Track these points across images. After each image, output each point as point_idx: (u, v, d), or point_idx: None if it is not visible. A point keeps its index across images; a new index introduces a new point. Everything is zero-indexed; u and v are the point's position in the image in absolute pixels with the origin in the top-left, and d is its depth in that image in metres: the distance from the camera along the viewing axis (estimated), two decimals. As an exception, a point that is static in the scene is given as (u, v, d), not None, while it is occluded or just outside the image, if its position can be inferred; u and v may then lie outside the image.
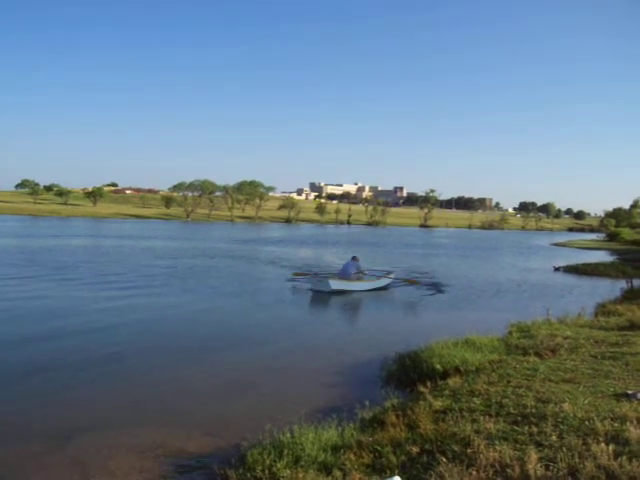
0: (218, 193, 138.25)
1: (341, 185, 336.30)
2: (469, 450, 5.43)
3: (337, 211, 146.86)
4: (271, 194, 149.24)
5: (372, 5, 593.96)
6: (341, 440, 6.29)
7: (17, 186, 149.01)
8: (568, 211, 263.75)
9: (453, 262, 39.11)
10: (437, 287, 23.78)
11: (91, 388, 9.08)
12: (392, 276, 24.18)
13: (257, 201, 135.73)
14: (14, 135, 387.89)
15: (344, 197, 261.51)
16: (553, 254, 54.55)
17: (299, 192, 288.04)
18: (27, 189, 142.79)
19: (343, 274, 22.13)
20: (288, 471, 5.55)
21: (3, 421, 7.52)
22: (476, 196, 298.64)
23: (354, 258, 23.05)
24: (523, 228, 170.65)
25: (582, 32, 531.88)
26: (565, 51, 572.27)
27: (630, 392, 7.15)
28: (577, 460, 5.02)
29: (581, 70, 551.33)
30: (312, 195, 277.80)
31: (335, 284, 20.96)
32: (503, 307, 19.24)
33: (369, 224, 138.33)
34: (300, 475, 5.44)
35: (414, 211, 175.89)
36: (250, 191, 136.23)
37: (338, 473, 5.46)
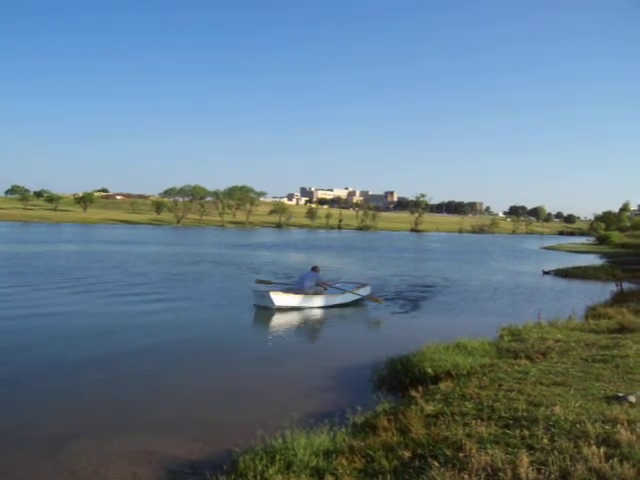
0: (209, 198, 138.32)
1: (332, 190, 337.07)
2: (461, 454, 5.43)
3: (328, 216, 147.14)
4: (262, 199, 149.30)
5: (366, 9, 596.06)
6: (333, 445, 6.27)
7: (7, 192, 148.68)
8: (558, 215, 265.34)
9: (444, 266, 39.20)
10: (428, 291, 23.82)
11: (83, 395, 9.03)
12: (362, 291, 20.54)
13: (248, 206, 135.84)
14: (4, 141, 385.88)
15: (335, 202, 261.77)
16: (543, 258, 54.74)
17: (290, 197, 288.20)
18: (17, 195, 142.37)
19: (298, 286, 19.00)
20: (280, 477, 5.53)
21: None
22: (466, 200, 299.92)
23: (314, 269, 19.74)
24: (513, 232, 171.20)
25: (581, 33, 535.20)
26: (562, 53, 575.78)
27: (621, 395, 7.18)
28: (568, 463, 5.03)
29: (577, 73, 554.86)
30: (303, 200, 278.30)
31: (280, 299, 17.66)
32: (494, 311, 19.29)
33: (360, 229, 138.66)
34: (292, 480, 5.43)
35: (405, 215, 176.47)
36: (241, 196, 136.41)
37: (330, 478, 5.44)
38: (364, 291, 20.67)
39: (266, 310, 17.32)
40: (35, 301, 17.73)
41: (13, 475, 6.26)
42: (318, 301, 18.79)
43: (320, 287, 19.34)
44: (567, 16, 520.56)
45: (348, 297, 19.76)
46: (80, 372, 10.27)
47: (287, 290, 18.77)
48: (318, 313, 17.92)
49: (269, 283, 21.37)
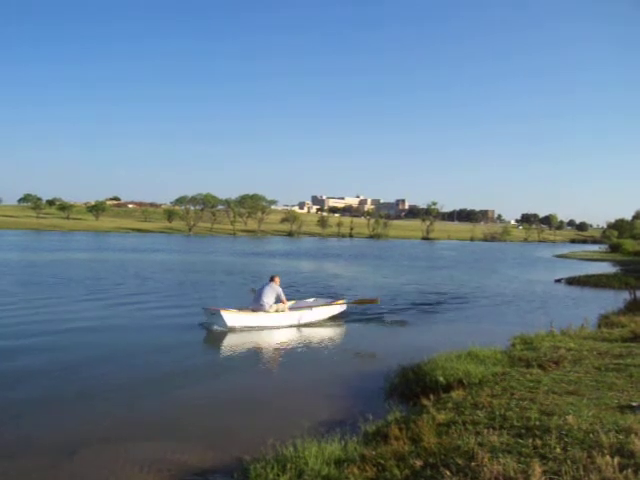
0: (220, 207, 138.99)
1: (343, 198, 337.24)
2: (473, 463, 5.39)
3: (339, 224, 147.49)
4: (273, 207, 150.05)
5: (374, 18, 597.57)
6: (344, 454, 6.26)
7: (20, 200, 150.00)
8: (570, 222, 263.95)
9: (456, 274, 39.10)
10: (440, 299, 23.74)
11: (94, 403, 9.06)
12: (336, 307, 18.46)
13: (259, 214, 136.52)
14: (17, 150, 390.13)
15: (346, 210, 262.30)
16: (556, 266, 54.52)
17: (301, 205, 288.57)
18: (30, 203, 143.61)
19: (257, 303, 16.47)
20: (291, 485, 5.53)
21: (9, 435, 7.52)
22: (478, 208, 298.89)
23: (272, 279, 16.95)
24: (525, 240, 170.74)
25: (583, 41, 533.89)
26: (565, 60, 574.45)
27: (634, 404, 7.13)
28: (582, 473, 4.99)
29: (583, 79, 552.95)
30: (314, 208, 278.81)
31: (233, 319, 15.49)
32: (506, 319, 19.20)
33: (371, 237, 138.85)
34: (303, 489, 5.42)
35: (416, 223, 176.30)
36: (252, 204, 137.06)
37: (341, 487, 5.43)
38: (339, 307, 18.63)
39: (220, 331, 15.22)
40: (52, 310, 17.83)
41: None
42: (280, 320, 16.58)
43: (282, 304, 16.80)
44: (581, 24, 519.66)
45: (318, 314, 17.62)
46: (92, 380, 10.32)
47: (242, 308, 16.61)
48: (283, 332, 16.09)
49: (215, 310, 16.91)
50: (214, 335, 14.93)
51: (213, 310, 15.73)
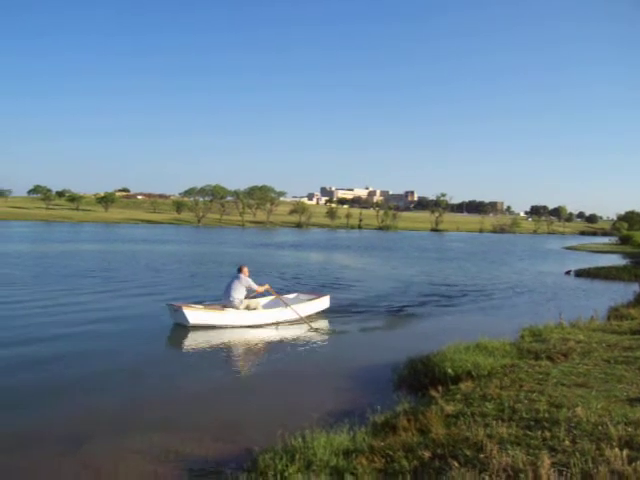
0: (229, 198, 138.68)
1: (352, 190, 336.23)
2: (481, 455, 5.41)
3: (348, 215, 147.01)
4: (282, 199, 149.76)
5: (379, 14, 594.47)
6: (353, 445, 6.27)
7: (30, 192, 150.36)
8: (580, 214, 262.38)
9: (466, 266, 39.01)
10: (449, 291, 23.70)
11: (103, 395, 9.12)
12: (317, 303, 17.08)
13: (268, 206, 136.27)
14: (27, 141, 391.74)
15: (355, 202, 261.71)
16: (565, 258, 54.28)
17: (310, 197, 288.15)
18: (39, 195, 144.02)
19: (226, 299, 15.16)
20: (300, 475, 5.54)
21: (18, 427, 7.58)
22: (487, 200, 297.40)
23: (240, 270, 15.63)
24: (535, 232, 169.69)
25: (589, 39, 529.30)
26: (570, 57, 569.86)
27: (644, 396, 7.10)
28: (591, 465, 4.99)
29: (591, 75, 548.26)
30: (323, 200, 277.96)
31: (196, 316, 14.30)
32: (515, 311, 19.16)
33: (380, 228, 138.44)
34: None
35: (425, 215, 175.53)
36: (261, 196, 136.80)
37: (350, 478, 5.44)
38: (320, 304, 17.24)
39: (182, 328, 14.28)
40: (64, 308, 17.90)
41: (35, 473, 6.37)
42: (251, 319, 15.18)
43: (253, 299, 15.71)
44: (588, 22, 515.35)
45: (296, 312, 15.77)
46: (99, 373, 10.39)
47: (209, 305, 15.36)
48: (280, 329, 15.18)
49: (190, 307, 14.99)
50: (216, 332, 14.39)
51: (176, 307, 14.49)
